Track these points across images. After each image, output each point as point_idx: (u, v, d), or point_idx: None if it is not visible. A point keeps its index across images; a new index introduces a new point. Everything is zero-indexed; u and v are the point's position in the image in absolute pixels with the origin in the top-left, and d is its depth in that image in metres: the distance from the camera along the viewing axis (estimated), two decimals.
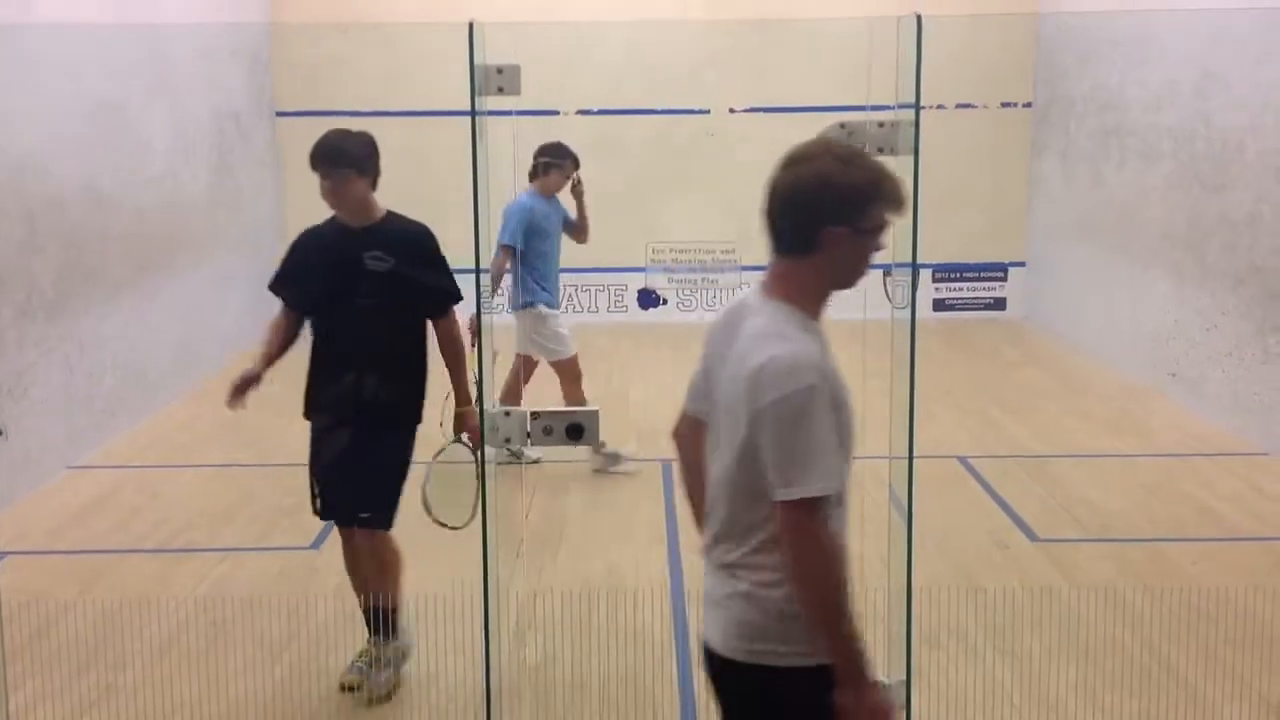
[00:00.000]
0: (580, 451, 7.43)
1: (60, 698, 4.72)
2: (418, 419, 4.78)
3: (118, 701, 4.70)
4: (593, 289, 12.20)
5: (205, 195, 10.23)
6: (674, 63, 12.14)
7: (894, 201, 2.62)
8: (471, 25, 3.62)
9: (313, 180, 4.61)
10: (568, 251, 7.80)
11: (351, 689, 4.78)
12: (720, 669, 2.72)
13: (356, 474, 4.66)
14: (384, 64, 12.01)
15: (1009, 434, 8.42)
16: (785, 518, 2.52)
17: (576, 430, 3.47)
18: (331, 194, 4.60)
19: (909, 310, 3.92)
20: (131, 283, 8.74)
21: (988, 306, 12.67)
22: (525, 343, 7.59)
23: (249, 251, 10.52)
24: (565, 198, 7.75)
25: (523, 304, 7.50)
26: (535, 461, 7.60)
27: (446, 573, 5.69)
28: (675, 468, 3.01)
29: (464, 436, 4.83)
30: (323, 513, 4.81)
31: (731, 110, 12.30)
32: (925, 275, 12.28)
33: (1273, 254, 7.90)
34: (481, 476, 4.01)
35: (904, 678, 3.42)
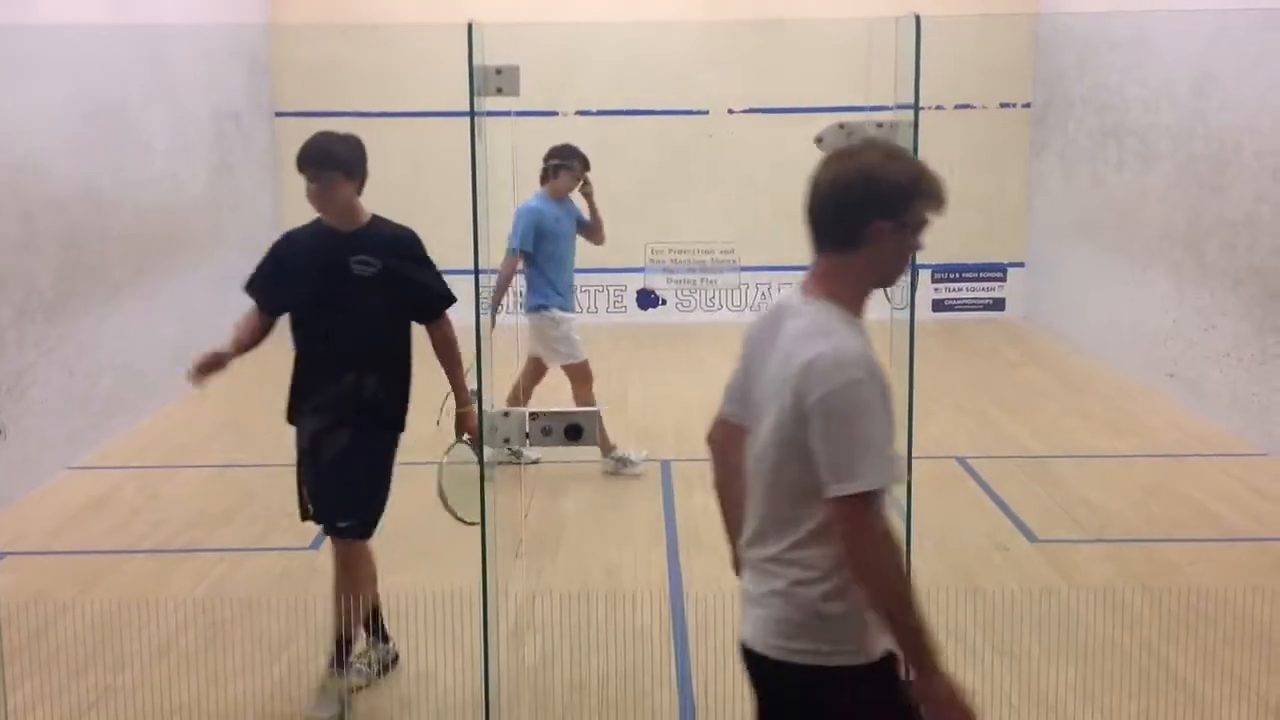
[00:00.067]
0: (580, 452, 7.43)
1: (59, 698, 4.72)
2: (401, 426, 4.72)
3: (116, 702, 4.70)
4: (592, 289, 12.19)
5: (205, 196, 10.23)
6: (673, 63, 12.14)
7: (935, 198, 2.63)
8: (470, 26, 3.62)
9: None
10: None
11: (350, 690, 4.78)
12: (758, 667, 2.72)
13: (337, 482, 4.60)
14: (383, 65, 12.01)
15: (1008, 434, 8.42)
16: (840, 513, 2.51)
17: (575, 431, 3.47)
18: (318, 197, 4.54)
19: (908, 311, 3.93)
20: (131, 283, 8.74)
21: (987, 307, 12.67)
22: (537, 346, 7.58)
23: (248, 252, 10.40)
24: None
25: (534, 307, 7.49)
26: (534, 462, 7.60)
27: (445, 573, 5.70)
28: (709, 470, 2.98)
29: (465, 437, 4.81)
30: (315, 517, 4.78)
31: (730, 111, 12.30)
32: (924, 276, 12.28)
33: (1271, 254, 7.90)
34: (481, 477, 4.02)
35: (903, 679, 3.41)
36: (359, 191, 4.61)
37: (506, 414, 3.60)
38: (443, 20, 11.02)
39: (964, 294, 12.65)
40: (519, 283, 7.60)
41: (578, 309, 8.10)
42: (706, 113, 12.29)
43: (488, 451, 3.82)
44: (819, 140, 3.88)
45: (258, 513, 6.79)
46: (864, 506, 2.49)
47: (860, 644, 2.61)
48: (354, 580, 4.67)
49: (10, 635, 5.02)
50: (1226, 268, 8.50)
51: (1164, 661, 4.97)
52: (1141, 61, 9.92)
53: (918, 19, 3.76)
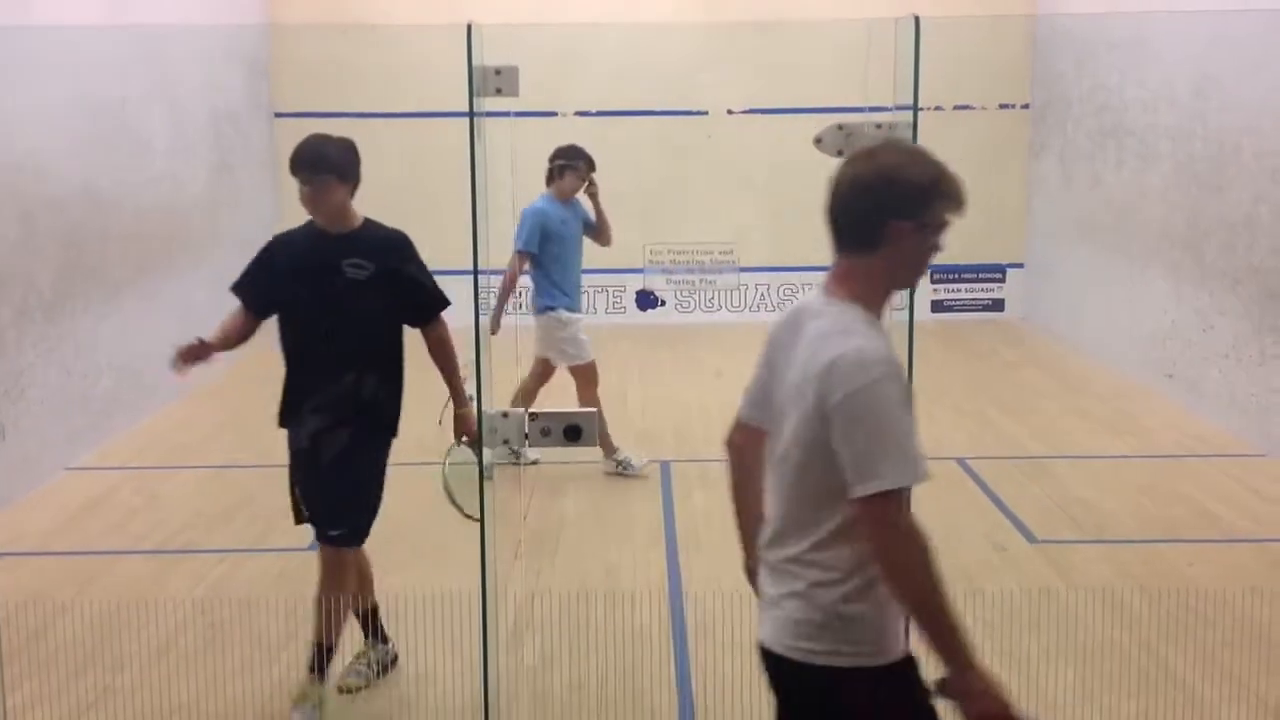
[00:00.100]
0: (579, 453, 7.43)
1: (58, 699, 4.72)
2: (394, 431, 4.67)
3: (115, 703, 4.70)
4: (591, 290, 12.16)
5: (204, 196, 10.23)
6: (672, 64, 12.14)
7: (955, 200, 2.63)
8: (470, 27, 3.63)
9: None
10: None
11: (349, 691, 4.79)
12: (777, 668, 2.71)
13: (329, 489, 4.56)
14: (382, 65, 12.00)
15: (1007, 435, 8.42)
16: (865, 513, 2.51)
17: (574, 432, 3.47)
18: (311, 200, 4.51)
19: (907, 311, 3.93)
20: (130, 283, 8.74)
21: (986, 308, 12.67)
22: (544, 347, 7.57)
23: (247, 253, 10.32)
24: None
25: (541, 308, 7.48)
26: (534, 462, 7.60)
27: (445, 574, 5.70)
28: (725, 472, 2.99)
29: (464, 439, 4.79)
30: (309, 520, 4.74)
31: (730, 112, 12.30)
32: (923, 276, 12.27)
33: (1270, 254, 7.91)
34: (480, 478, 4.03)
35: None
36: (352, 195, 4.57)
37: (505, 415, 3.60)
38: (442, 21, 11.02)
39: (963, 295, 12.66)
40: (522, 283, 7.59)
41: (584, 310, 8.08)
42: (706, 113, 12.30)
43: (488, 453, 3.82)
44: (818, 141, 3.88)
45: (256, 513, 6.79)
46: (889, 505, 2.49)
47: (880, 645, 2.61)
48: (340, 586, 4.62)
49: (9, 636, 5.02)
50: (1225, 268, 8.50)
51: (1163, 662, 4.98)
52: (1140, 62, 9.92)
53: (917, 20, 3.77)
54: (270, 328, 4.72)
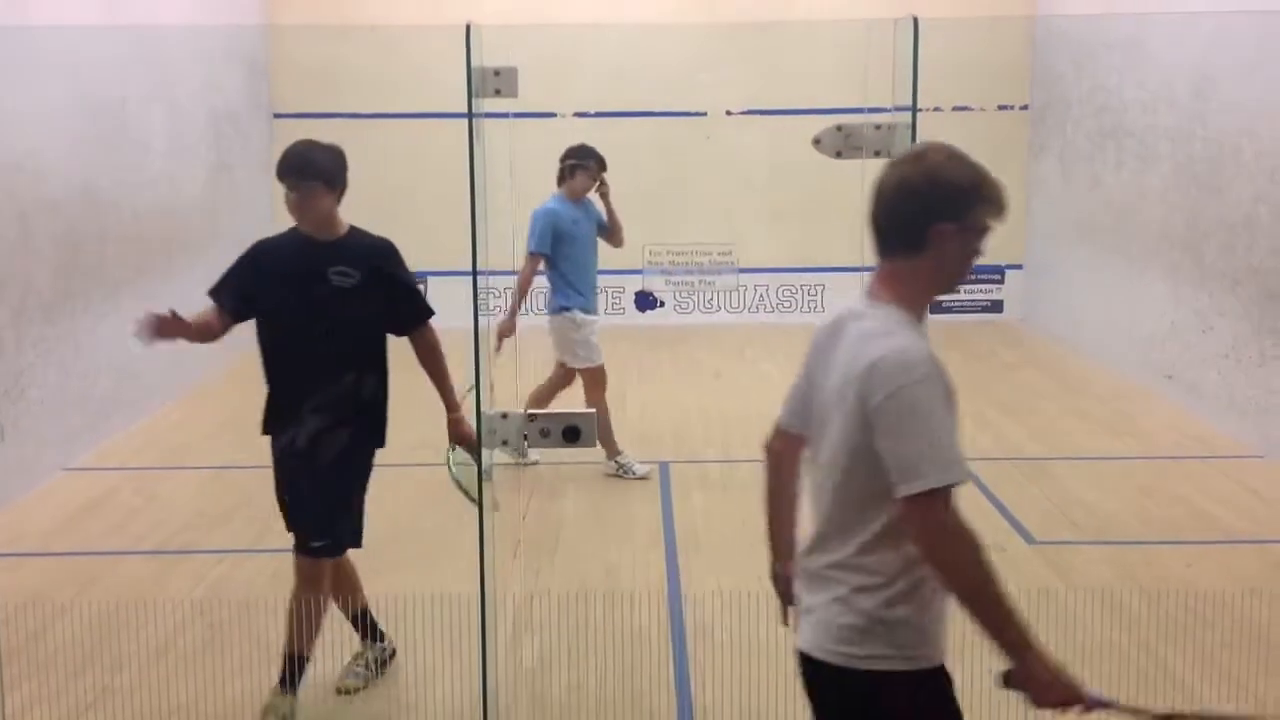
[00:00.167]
0: (579, 453, 7.42)
1: (57, 700, 4.72)
2: (380, 441, 4.62)
3: (114, 703, 4.70)
4: None
5: (203, 197, 10.23)
6: (671, 65, 12.15)
7: (996, 204, 2.64)
8: (469, 28, 3.63)
9: None
10: None
11: (348, 692, 4.78)
12: (816, 674, 2.70)
13: (311, 499, 4.51)
14: (381, 66, 12.01)
15: (1006, 436, 8.42)
16: (911, 512, 2.50)
17: (573, 433, 3.47)
18: (298, 207, 4.46)
19: None
20: (129, 284, 8.74)
21: (985, 309, 12.68)
22: (556, 348, 7.55)
23: None
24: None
25: (555, 309, 7.46)
26: (534, 463, 7.59)
27: (443, 575, 5.70)
28: (764, 478, 2.97)
29: (451, 464, 4.71)
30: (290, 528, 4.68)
31: (729, 113, 12.30)
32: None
33: (1270, 255, 7.91)
34: (479, 479, 4.02)
35: None
36: (338, 202, 4.52)
37: (504, 416, 3.60)
38: (441, 22, 11.02)
39: (962, 296, 12.64)
40: (537, 283, 7.54)
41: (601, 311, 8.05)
42: (705, 114, 12.31)
43: (492, 453, 3.82)
44: (817, 142, 3.88)
45: (255, 514, 6.77)
46: (934, 504, 2.48)
47: (920, 649, 2.62)
48: (316, 597, 4.57)
49: (8, 636, 5.02)
50: (1225, 269, 8.50)
51: (1162, 663, 4.98)
52: (1140, 63, 9.93)
53: (915, 21, 3.77)
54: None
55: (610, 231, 7.69)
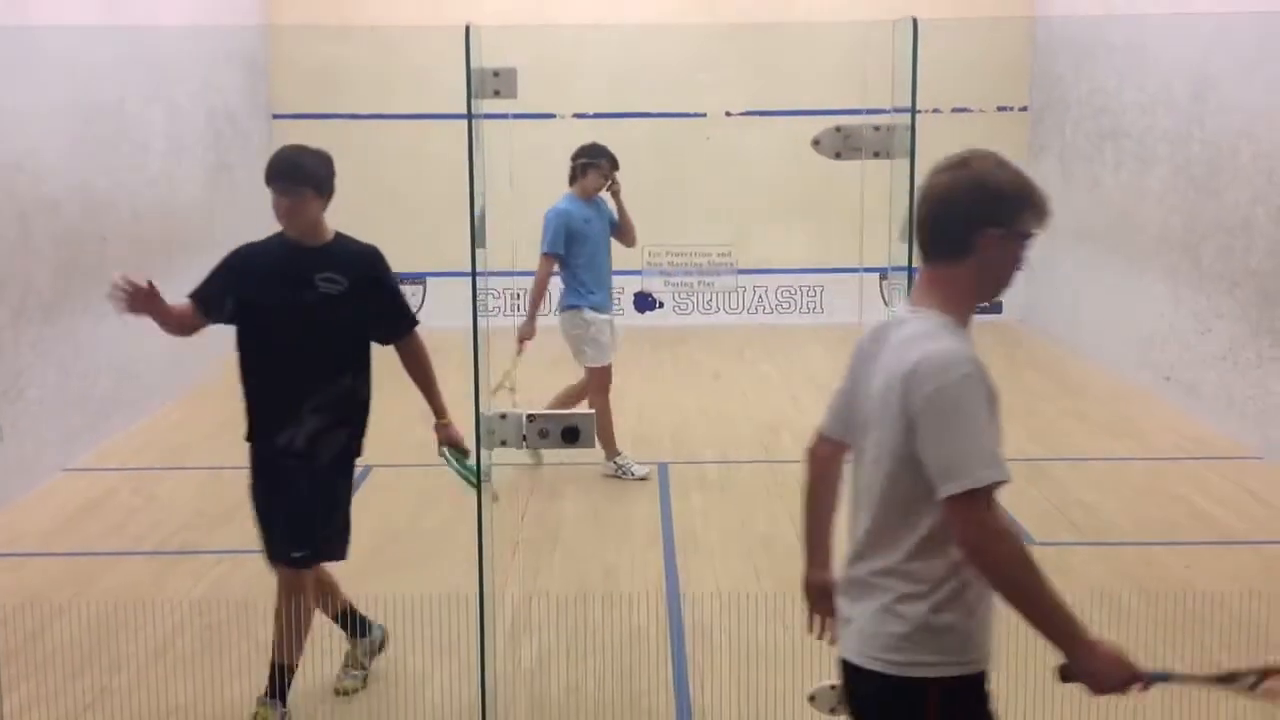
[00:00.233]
0: (578, 453, 7.42)
1: (55, 700, 4.72)
2: (359, 449, 4.59)
3: (112, 704, 4.69)
4: None
5: (201, 197, 10.23)
6: (670, 66, 12.15)
7: (1041, 212, 2.66)
8: (468, 28, 3.63)
9: None
10: None
11: (346, 693, 4.78)
12: (861, 681, 2.69)
13: (293, 509, 4.46)
14: (380, 67, 12.01)
15: (1005, 437, 8.41)
16: (953, 512, 2.50)
17: (572, 434, 3.47)
18: (288, 212, 4.42)
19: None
20: None
21: (983, 310, 12.54)
22: (571, 347, 7.54)
23: None
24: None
25: (565, 307, 7.45)
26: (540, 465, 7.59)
27: (442, 576, 5.70)
28: (804, 484, 2.95)
29: (445, 450, 4.70)
30: (265, 544, 4.61)
31: (728, 114, 12.31)
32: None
33: (1267, 257, 7.92)
34: (478, 479, 4.02)
35: None
36: (325, 208, 4.49)
37: (503, 416, 3.60)
38: (440, 22, 11.02)
39: None
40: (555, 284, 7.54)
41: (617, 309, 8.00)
42: (704, 115, 12.31)
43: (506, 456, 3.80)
44: (816, 143, 3.88)
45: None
46: (975, 504, 2.48)
47: (965, 654, 2.62)
48: (300, 607, 4.52)
49: (7, 637, 5.02)
50: (1223, 271, 8.51)
51: (1161, 663, 4.96)
52: (1139, 65, 9.93)
53: (915, 22, 3.77)
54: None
55: (622, 230, 7.67)
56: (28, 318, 7.36)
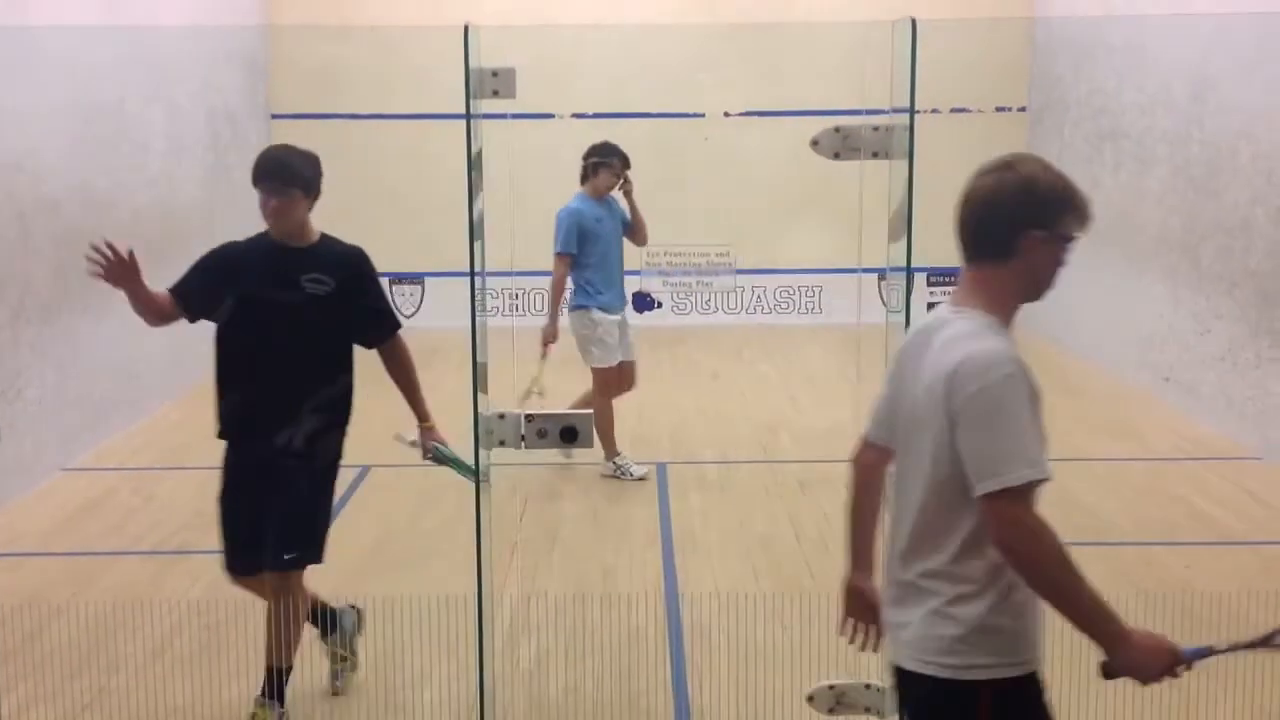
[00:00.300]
0: (579, 454, 7.43)
1: (53, 701, 4.72)
2: (340, 451, 4.57)
3: (111, 704, 4.69)
4: None
5: (201, 197, 10.22)
6: (669, 66, 12.15)
7: (1083, 215, 2.66)
8: (467, 28, 3.62)
9: None
10: None
11: (342, 693, 4.78)
12: (912, 685, 2.69)
13: (281, 513, 4.44)
14: (379, 67, 12.01)
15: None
16: (990, 511, 2.52)
17: (570, 434, 3.47)
18: (276, 213, 4.40)
19: (903, 314, 3.93)
20: None
21: None
22: (579, 347, 7.53)
23: None
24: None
25: (574, 306, 7.43)
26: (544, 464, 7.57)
27: (440, 576, 5.70)
28: (850, 489, 2.97)
29: (437, 446, 4.65)
30: (240, 553, 4.60)
31: (727, 114, 12.31)
32: (920, 279, 12.26)
33: (1267, 258, 7.92)
34: (477, 480, 4.02)
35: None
36: (311, 209, 4.49)
37: (502, 416, 3.60)
38: (440, 22, 11.02)
39: None
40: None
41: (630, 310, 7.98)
42: (703, 115, 12.31)
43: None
44: (815, 143, 3.88)
45: None
46: (1013, 502, 2.51)
47: (1017, 655, 2.65)
48: (296, 609, 4.51)
49: (5, 637, 5.02)
50: (1222, 271, 8.51)
51: None
52: (1138, 66, 9.93)
53: (914, 23, 3.77)
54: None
55: (635, 229, 7.65)
56: (27, 318, 7.36)
